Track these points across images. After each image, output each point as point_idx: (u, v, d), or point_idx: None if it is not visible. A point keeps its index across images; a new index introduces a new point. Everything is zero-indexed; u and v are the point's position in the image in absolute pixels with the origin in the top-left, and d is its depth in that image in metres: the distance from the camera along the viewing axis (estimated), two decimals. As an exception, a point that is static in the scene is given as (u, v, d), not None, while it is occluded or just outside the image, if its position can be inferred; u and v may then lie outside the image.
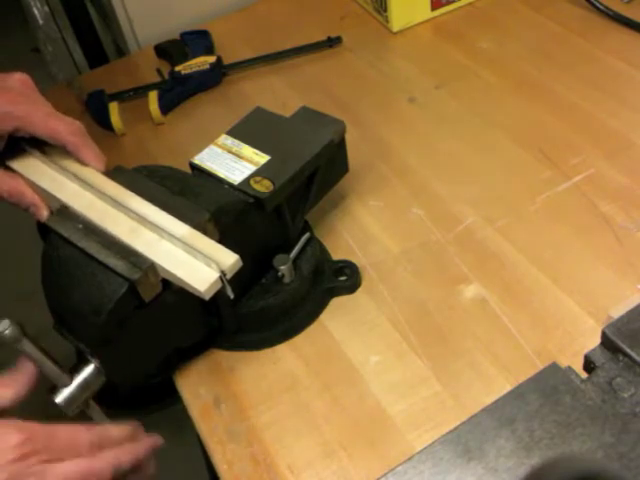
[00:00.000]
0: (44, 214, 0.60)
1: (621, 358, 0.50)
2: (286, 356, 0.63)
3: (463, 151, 0.78)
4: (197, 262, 0.54)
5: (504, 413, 0.48)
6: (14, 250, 1.77)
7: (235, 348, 0.64)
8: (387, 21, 0.96)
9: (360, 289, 0.67)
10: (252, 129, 0.67)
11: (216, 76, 0.93)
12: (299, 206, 0.66)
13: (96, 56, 1.09)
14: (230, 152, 0.64)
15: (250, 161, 0.63)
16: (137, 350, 0.57)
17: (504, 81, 0.86)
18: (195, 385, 0.63)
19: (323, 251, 0.69)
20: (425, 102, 0.85)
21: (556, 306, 0.63)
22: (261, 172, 0.62)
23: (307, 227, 0.68)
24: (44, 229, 0.59)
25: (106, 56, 1.10)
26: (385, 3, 0.94)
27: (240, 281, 0.56)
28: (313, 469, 0.56)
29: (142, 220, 0.56)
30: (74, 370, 0.56)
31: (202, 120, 0.89)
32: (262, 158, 0.63)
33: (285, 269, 0.62)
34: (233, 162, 0.63)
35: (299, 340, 0.64)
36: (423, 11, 0.96)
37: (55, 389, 0.55)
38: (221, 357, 0.64)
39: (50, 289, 0.57)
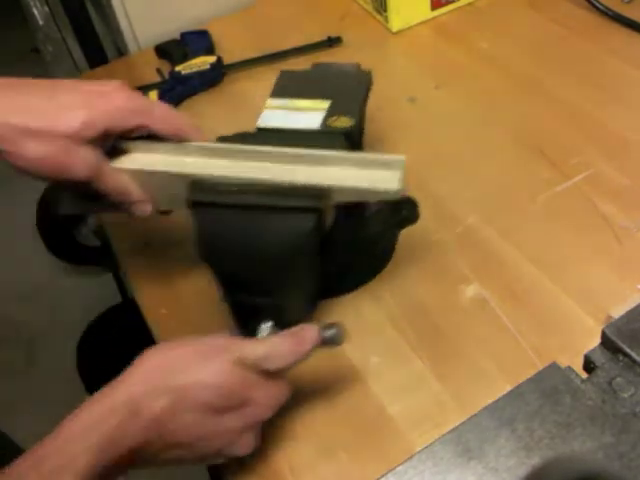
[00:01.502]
0: (148, 209, 0.61)
1: (621, 358, 0.50)
2: (286, 356, 0.63)
3: (463, 151, 0.78)
4: (372, 171, 0.55)
5: (504, 413, 0.48)
6: (14, 250, 1.78)
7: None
8: (387, 21, 0.96)
9: (360, 289, 0.67)
10: (293, 86, 0.69)
11: (216, 76, 0.93)
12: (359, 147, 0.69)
13: (96, 56, 1.09)
14: (288, 109, 0.66)
15: (314, 109, 0.65)
16: (308, 287, 0.59)
17: (504, 81, 0.86)
18: (195, 385, 0.63)
19: None
20: (425, 102, 0.85)
21: (556, 306, 0.63)
22: (332, 113, 0.64)
23: None
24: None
25: (106, 56, 1.10)
26: (385, 3, 0.94)
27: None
28: (313, 469, 0.56)
29: (291, 159, 0.57)
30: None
31: (202, 120, 0.88)
32: (323, 103, 0.66)
33: None
34: (299, 114, 0.65)
35: (299, 340, 0.64)
36: (423, 11, 0.96)
37: None
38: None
39: (224, 261, 0.57)
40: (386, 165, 0.55)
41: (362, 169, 0.56)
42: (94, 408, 0.48)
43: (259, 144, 0.59)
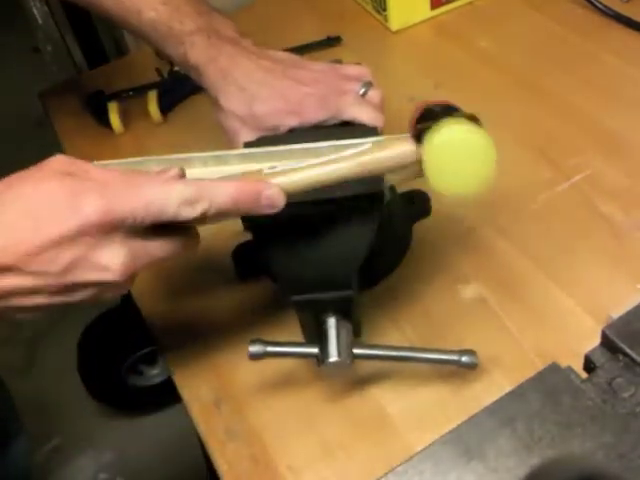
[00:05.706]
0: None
1: (621, 358, 0.49)
2: (286, 356, 0.63)
3: (463, 151, 0.78)
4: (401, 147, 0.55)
5: (504, 413, 0.48)
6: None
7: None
8: (386, 20, 0.96)
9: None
10: None
11: (216, 76, 0.93)
12: None
13: (96, 56, 1.09)
14: None
15: None
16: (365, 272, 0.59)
17: (504, 81, 0.86)
18: (195, 385, 0.63)
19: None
20: (425, 102, 0.85)
21: (556, 306, 0.63)
22: None
23: None
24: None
25: (106, 56, 1.10)
26: (384, 2, 0.94)
27: None
28: (313, 469, 0.56)
29: (332, 150, 0.55)
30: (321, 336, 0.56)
31: (201, 120, 0.88)
32: None
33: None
34: None
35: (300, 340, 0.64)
36: (423, 10, 0.96)
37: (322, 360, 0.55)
38: (221, 357, 0.64)
39: (287, 264, 0.56)
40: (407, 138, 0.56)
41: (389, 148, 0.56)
42: None
43: (290, 144, 0.58)
